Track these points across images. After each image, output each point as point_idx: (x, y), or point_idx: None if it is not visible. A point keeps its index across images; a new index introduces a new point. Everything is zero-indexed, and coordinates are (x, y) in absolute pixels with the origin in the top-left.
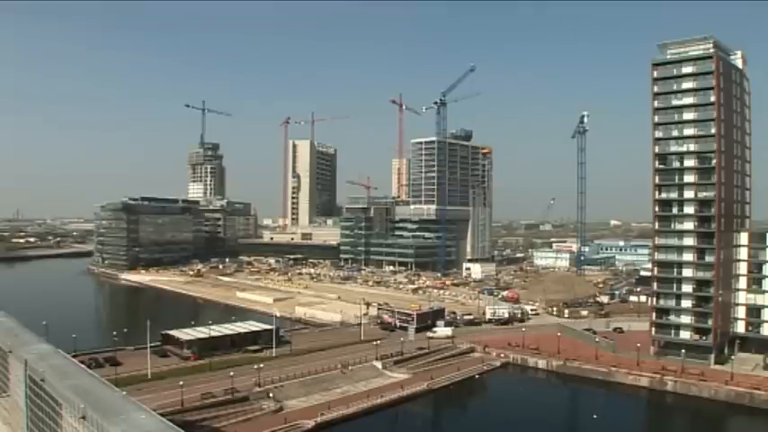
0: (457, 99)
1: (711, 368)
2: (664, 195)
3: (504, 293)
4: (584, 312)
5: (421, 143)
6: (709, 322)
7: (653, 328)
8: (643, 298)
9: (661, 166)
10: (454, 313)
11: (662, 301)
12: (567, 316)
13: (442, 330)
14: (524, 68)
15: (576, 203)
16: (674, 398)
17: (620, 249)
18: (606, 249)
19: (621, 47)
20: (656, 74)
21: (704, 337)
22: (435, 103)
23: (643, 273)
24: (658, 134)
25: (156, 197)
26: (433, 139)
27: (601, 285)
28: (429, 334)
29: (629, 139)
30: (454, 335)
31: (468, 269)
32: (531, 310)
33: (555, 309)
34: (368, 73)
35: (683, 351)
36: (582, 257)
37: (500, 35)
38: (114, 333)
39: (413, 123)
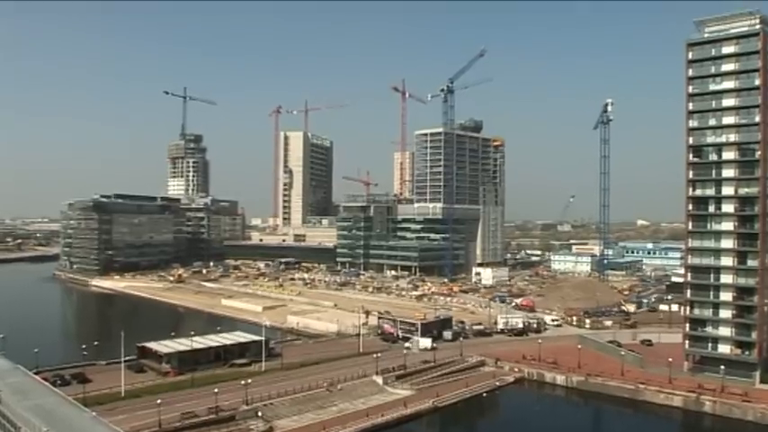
0: (466, 86)
1: (756, 387)
2: (699, 192)
3: (518, 301)
4: (608, 322)
5: (426, 135)
6: (753, 335)
7: (687, 341)
8: (675, 307)
9: (696, 160)
10: (462, 323)
11: (697, 311)
12: (588, 326)
13: (421, 341)
14: (541, 51)
15: (598, 201)
16: (713, 420)
17: (649, 252)
18: (632, 252)
19: (651, 24)
20: (691, 55)
21: (747, 352)
22: (442, 90)
23: (674, 279)
24: (693, 123)
25: (131, 194)
26: (440, 130)
27: (626, 292)
28: (407, 345)
29: (660, 129)
30: (460, 345)
31: (477, 274)
32: (552, 320)
33: (575, 318)
34: (367, 56)
35: (723, 367)
36: (605, 261)
37: (513, 15)
38: (83, 346)
39: (417, 113)
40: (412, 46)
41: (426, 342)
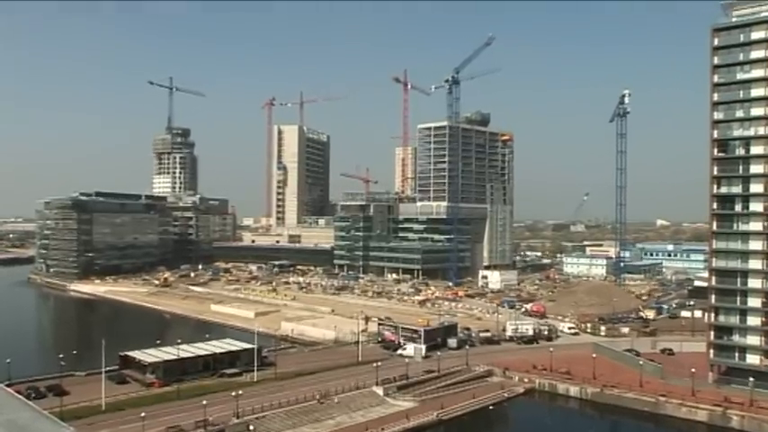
0: (473, 76)
1: None
2: (724, 190)
3: (528, 307)
4: (625, 330)
5: (429, 129)
6: None
7: (711, 351)
8: (698, 313)
9: (721, 155)
10: (468, 329)
11: (722, 318)
12: (603, 334)
13: (410, 349)
14: (552, 39)
15: (614, 200)
16: None
17: (669, 255)
18: (651, 254)
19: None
20: (717, 41)
21: None
22: (447, 81)
23: (697, 283)
24: (718, 115)
25: (113, 192)
26: (444, 123)
27: (645, 298)
28: (399, 352)
29: (681, 122)
30: (466, 354)
31: (484, 278)
32: (569, 328)
33: (589, 325)
34: (366, 45)
35: (751, 379)
36: (621, 264)
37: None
38: (60, 356)
39: (420, 105)
40: (414, 34)
41: (419, 349)
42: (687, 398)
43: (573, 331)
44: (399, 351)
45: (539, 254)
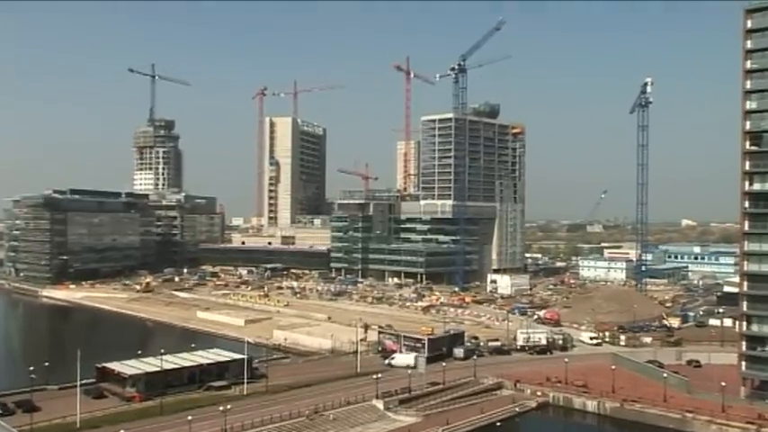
0: (481, 64)
1: None
2: (757, 186)
3: (541, 314)
4: (647, 339)
5: (434, 121)
6: None
7: (743, 363)
8: (728, 321)
9: (754, 148)
10: (476, 338)
11: (755, 327)
12: (623, 343)
13: (401, 358)
14: (566, 24)
15: (634, 198)
16: None
17: (695, 257)
18: (676, 257)
19: None
20: (750, 23)
21: None
22: (452, 69)
23: (727, 288)
24: (751, 105)
25: (90, 189)
26: (450, 115)
27: (669, 304)
28: (387, 361)
29: (709, 113)
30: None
31: (493, 282)
32: (591, 338)
33: (607, 334)
34: (366, 30)
35: None
36: (643, 268)
37: None
38: (31, 368)
39: (424, 96)
40: (417, 18)
41: (409, 358)
42: (717, 414)
43: (595, 341)
44: (388, 361)
45: (552, 256)
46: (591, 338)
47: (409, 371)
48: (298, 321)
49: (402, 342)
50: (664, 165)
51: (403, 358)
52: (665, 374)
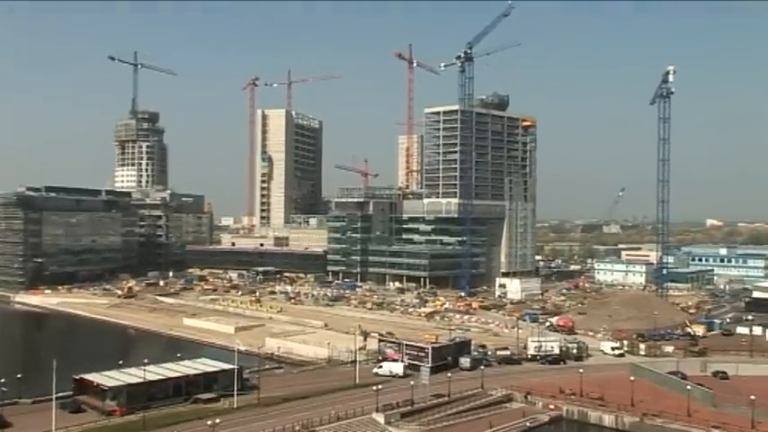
0: (488, 52)
1: None
2: None
3: (554, 320)
4: (669, 348)
5: (438, 113)
6: None
7: None
8: (757, 330)
9: None
10: (483, 347)
11: None
12: (643, 353)
13: (389, 366)
14: (581, 8)
15: (655, 196)
16: None
17: (721, 260)
18: (700, 260)
19: None
20: None
21: None
22: (458, 57)
23: (756, 294)
24: None
25: (67, 187)
26: (456, 107)
27: (692, 311)
28: (374, 370)
29: (737, 105)
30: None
31: (502, 286)
32: (613, 348)
33: (626, 343)
34: (365, 16)
35: None
36: (664, 271)
37: None
38: (2, 381)
39: (427, 86)
40: (420, 2)
41: (396, 367)
42: (745, 430)
43: (617, 352)
44: (375, 370)
45: (566, 259)
46: (612, 348)
47: (412, 382)
48: (292, 329)
49: (404, 351)
50: (687, 160)
51: (390, 366)
52: (688, 386)
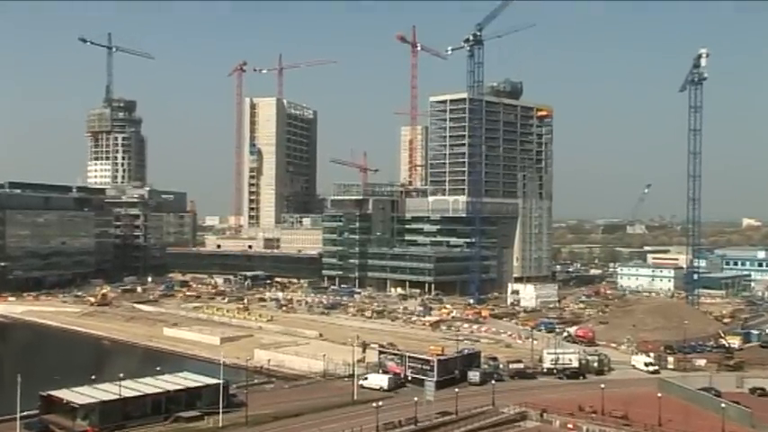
0: (500, 34)
1: None
2: None
3: (572, 330)
4: (701, 362)
5: (445, 102)
6: None
7: None
8: None
9: None
10: (494, 359)
11: None
12: (671, 367)
13: (375, 379)
14: None
15: (684, 193)
16: None
17: (759, 264)
18: (735, 264)
19: None
20: None
21: None
22: (467, 40)
23: None
24: None
25: (34, 183)
26: (464, 95)
27: (727, 320)
28: (360, 382)
29: None
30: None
31: (515, 293)
32: (646, 363)
33: (652, 356)
34: None
35: None
36: (695, 276)
37: None
38: None
39: (433, 72)
40: None
41: (381, 380)
42: None
43: (651, 368)
44: (361, 382)
45: (585, 263)
46: (646, 364)
47: (418, 399)
48: (283, 339)
49: (407, 364)
50: (720, 154)
51: (375, 379)
52: (723, 404)
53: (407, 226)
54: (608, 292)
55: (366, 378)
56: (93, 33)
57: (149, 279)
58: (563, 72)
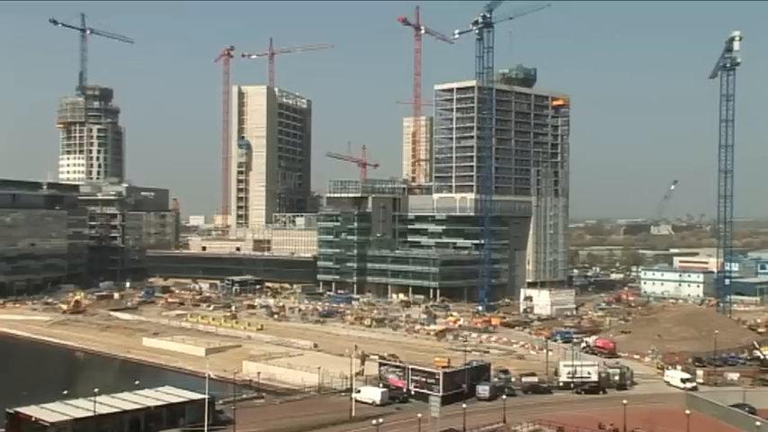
0: (511, 16)
1: None
2: None
3: (591, 340)
4: (734, 375)
5: (451, 91)
6: None
7: None
8: None
9: None
10: (506, 372)
11: None
12: (701, 381)
13: (367, 392)
14: None
15: (715, 190)
16: None
17: None
18: None
19: None
20: None
21: None
22: (475, 23)
23: None
24: None
25: (0, 178)
26: (473, 83)
27: (762, 330)
28: (352, 395)
29: None
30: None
31: (528, 299)
32: (683, 379)
33: (679, 368)
34: None
35: None
36: (727, 281)
37: None
38: None
39: (438, 58)
40: None
41: (374, 393)
42: None
43: (690, 384)
44: (354, 395)
45: (605, 267)
46: (683, 380)
47: (422, 415)
48: (275, 350)
49: (410, 377)
50: (755, 146)
51: (368, 392)
52: (758, 423)
53: (410, 226)
54: (630, 298)
55: (359, 391)
56: (65, 14)
57: (127, 284)
58: (580, 58)
